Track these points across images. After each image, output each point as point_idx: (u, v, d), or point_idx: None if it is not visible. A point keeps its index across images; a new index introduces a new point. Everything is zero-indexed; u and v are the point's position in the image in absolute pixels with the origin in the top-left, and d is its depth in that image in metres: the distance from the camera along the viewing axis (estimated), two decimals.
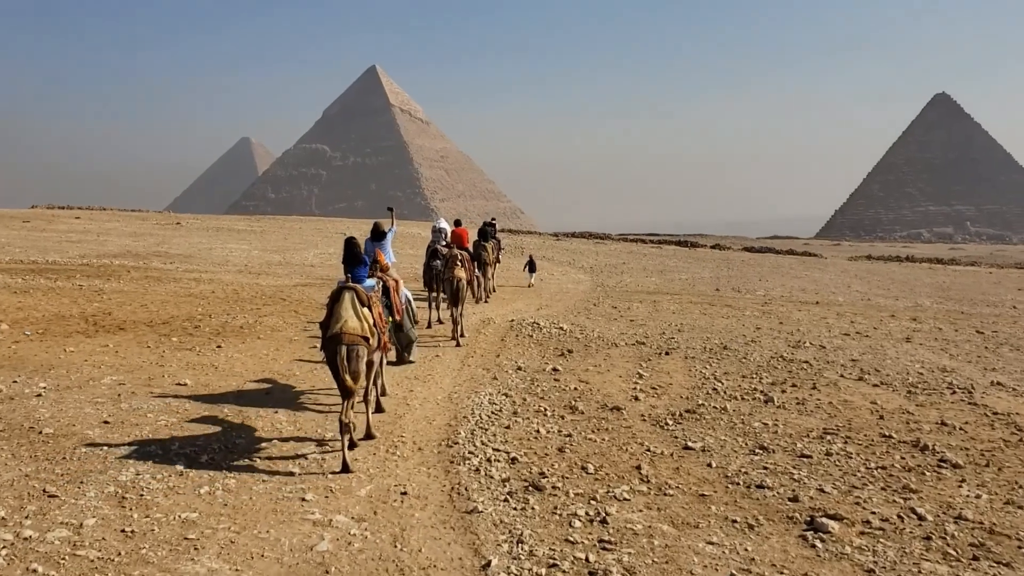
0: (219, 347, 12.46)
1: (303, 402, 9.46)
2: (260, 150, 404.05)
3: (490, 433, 8.28)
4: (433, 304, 16.15)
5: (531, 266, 25.30)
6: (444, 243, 16.64)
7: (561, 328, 15.41)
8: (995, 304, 26.98)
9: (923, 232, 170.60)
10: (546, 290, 23.88)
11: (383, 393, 9.49)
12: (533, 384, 10.82)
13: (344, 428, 7.07)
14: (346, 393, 7.13)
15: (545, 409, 9.46)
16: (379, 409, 8.90)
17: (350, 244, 8.69)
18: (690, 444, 8.18)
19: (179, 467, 6.98)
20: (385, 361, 9.17)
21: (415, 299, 11.82)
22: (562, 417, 9.17)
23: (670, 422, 9.08)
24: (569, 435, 8.38)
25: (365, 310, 7.61)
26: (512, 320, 16.25)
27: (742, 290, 27.19)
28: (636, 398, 10.23)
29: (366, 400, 8.12)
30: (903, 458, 8.09)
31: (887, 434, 8.97)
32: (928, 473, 7.66)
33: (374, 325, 7.73)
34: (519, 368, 11.79)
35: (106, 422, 8.15)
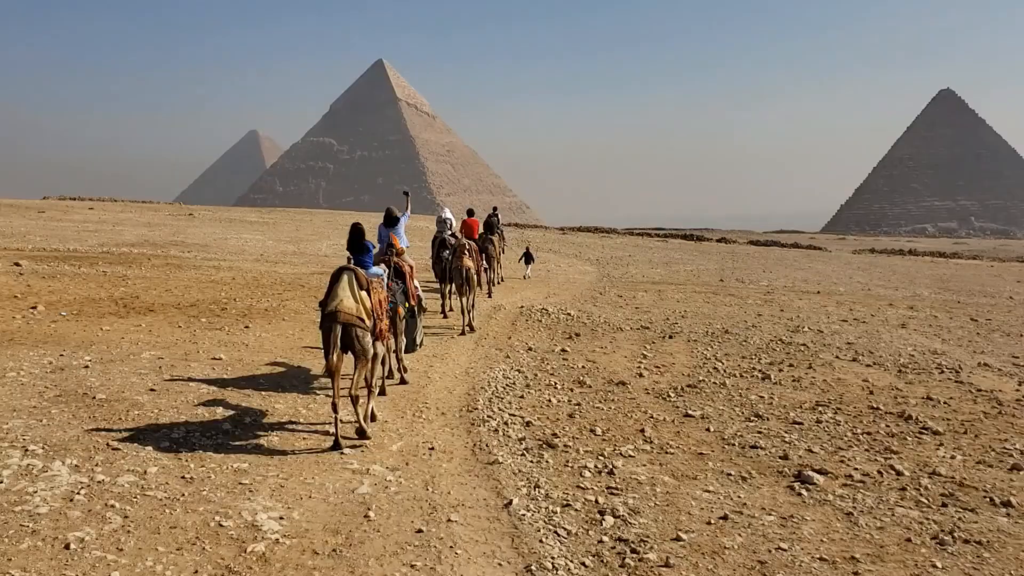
0: (247, 327, 13.18)
1: None
2: (267, 143, 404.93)
3: (505, 401, 9.03)
4: (449, 294, 16.47)
5: (527, 258, 24.71)
6: (450, 233, 16.61)
7: (568, 314, 16.09)
8: (992, 295, 27.53)
9: (928, 227, 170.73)
10: (553, 280, 24.55)
11: (403, 382, 9.79)
12: (543, 362, 11.52)
13: (335, 408, 7.26)
14: (329, 372, 7.21)
15: (555, 383, 10.16)
16: (382, 392, 8.94)
17: (356, 230, 8.61)
18: (690, 412, 8.90)
19: (226, 427, 7.70)
20: (386, 353, 8.96)
21: (424, 290, 11.99)
22: (571, 390, 9.88)
23: (672, 395, 9.79)
24: (578, 404, 9.11)
25: (363, 293, 7.51)
26: (522, 307, 16.95)
27: (746, 281, 27.83)
28: (640, 375, 10.93)
29: (354, 398, 7.47)
30: (888, 426, 8.78)
31: (875, 406, 9.65)
32: (910, 438, 8.35)
33: (372, 310, 7.62)
34: (530, 348, 12.49)
35: (152, 390, 8.87)
